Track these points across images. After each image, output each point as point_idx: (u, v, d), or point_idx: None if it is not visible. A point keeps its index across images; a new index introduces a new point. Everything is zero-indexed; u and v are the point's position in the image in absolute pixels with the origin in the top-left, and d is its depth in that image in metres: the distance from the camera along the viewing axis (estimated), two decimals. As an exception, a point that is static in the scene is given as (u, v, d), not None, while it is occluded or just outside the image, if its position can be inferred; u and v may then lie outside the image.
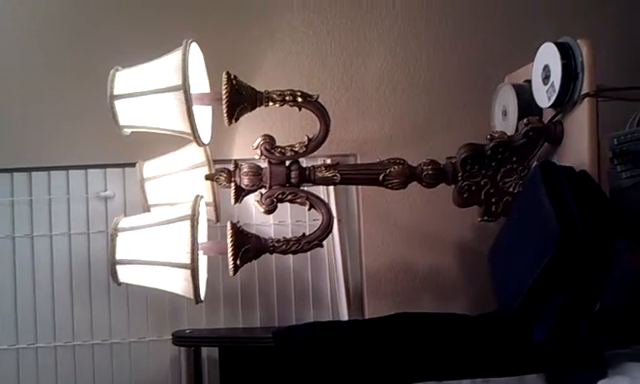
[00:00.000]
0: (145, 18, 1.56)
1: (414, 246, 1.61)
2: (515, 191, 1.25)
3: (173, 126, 1.23)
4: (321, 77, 1.61)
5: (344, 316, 1.57)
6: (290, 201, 1.27)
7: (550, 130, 1.24)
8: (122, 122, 1.25)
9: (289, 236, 1.29)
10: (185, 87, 1.17)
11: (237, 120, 1.23)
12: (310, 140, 1.27)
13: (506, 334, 1.18)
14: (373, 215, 1.60)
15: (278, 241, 1.26)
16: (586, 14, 1.65)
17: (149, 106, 1.22)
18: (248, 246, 1.23)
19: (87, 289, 1.54)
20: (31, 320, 1.52)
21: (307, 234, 1.28)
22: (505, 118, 1.39)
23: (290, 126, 1.55)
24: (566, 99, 1.20)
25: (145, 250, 1.20)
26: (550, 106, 1.24)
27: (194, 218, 1.18)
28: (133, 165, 1.46)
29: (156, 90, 1.20)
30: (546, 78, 1.24)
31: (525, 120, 1.24)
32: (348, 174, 1.28)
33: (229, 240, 1.21)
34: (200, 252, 1.21)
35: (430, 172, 1.26)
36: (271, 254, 1.27)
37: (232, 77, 1.21)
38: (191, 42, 1.23)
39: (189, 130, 1.20)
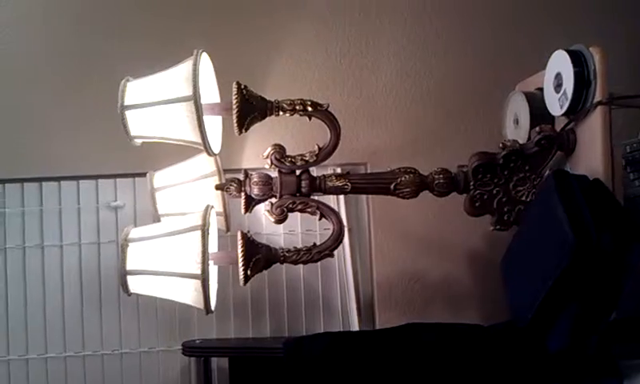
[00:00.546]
0: (155, 29, 1.57)
1: (425, 256, 1.60)
2: (528, 200, 1.24)
3: (183, 136, 1.23)
4: (330, 86, 1.60)
5: (354, 326, 1.56)
6: (301, 210, 1.26)
7: (562, 139, 1.23)
8: (132, 133, 1.25)
9: (299, 245, 1.28)
10: (195, 97, 1.16)
11: (247, 130, 1.23)
12: (320, 149, 1.26)
13: (519, 344, 1.17)
14: (383, 224, 1.59)
15: (289, 251, 1.25)
16: (596, 20, 1.64)
17: (159, 117, 1.22)
18: (259, 256, 1.23)
19: (97, 299, 1.54)
20: (41, 330, 1.52)
21: (317, 242, 1.27)
22: (517, 127, 1.38)
23: (300, 136, 1.55)
24: (578, 107, 1.19)
25: (155, 260, 1.19)
26: (563, 115, 1.23)
27: (204, 229, 1.17)
28: (143, 175, 1.46)
29: (167, 101, 1.20)
30: (558, 85, 1.23)
31: (537, 128, 1.23)
32: (359, 184, 1.27)
33: (239, 250, 1.21)
34: (210, 262, 1.21)
35: (442, 181, 1.25)
36: (282, 263, 1.26)
37: (242, 86, 1.21)
38: (202, 53, 1.23)
39: (199, 140, 1.20)
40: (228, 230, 1.44)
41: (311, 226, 1.57)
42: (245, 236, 1.23)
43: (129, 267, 1.20)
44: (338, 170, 1.50)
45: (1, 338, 1.52)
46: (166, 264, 1.19)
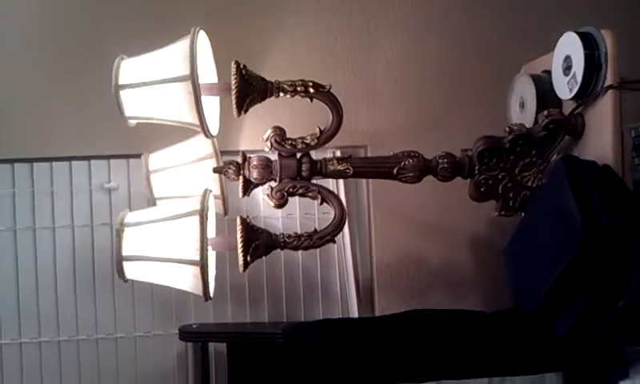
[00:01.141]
0: (151, 5, 1.53)
1: (426, 241, 1.58)
2: (534, 185, 1.22)
3: (180, 117, 1.20)
4: (330, 67, 1.57)
5: (354, 312, 1.55)
6: (302, 195, 1.24)
7: (570, 123, 1.21)
8: (127, 113, 1.22)
9: (297, 228, 1.26)
10: (193, 77, 1.13)
11: (246, 111, 1.20)
12: (321, 132, 1.23)
13: (524, 331, 1.15)
14: (383, 208, 1.57)
15: (289, 236, 1.23)
16: (603, 2, 1.60)
17: (155, 97, 1.19)
18: (258, 241, 1.20)
19: (91, 282, 1.51)
20: (34, 314, 1.50)
21: (316, 226, 1.25)
22: (522, 110, 1.35)
23: (299, 117, 1.51)
24: (588, 91, 1.17)
25: (152, 245, 1.17)
26: (572, 98, 1.20)
27: (203, 214, 1.14)
28: (137, 156, 1.42)
29: (163, 80, 1.17)
30: (567, 68, 1.20)
31: (545, 112, 1.20)
32: (361, 168, 1.25)
33: (239, 236, 1.18)
34: (209, 248, 1.18)
35: (446, 165, 1.22)
36: (282, 249, 1.24)
37: (241, 66, 1.18)
38: (199, 30, 1.20)
39: (197, 122, 1.17)
40: (226, 213, 1.41)
41: (310, 209, 1.54)
42: (244, 221, 1.21)
43: (125, 253, 1.17)
44: (338, 153, 1.47)
45: (-7, 323, 1.49)
46: (163, 250, 1.17)
